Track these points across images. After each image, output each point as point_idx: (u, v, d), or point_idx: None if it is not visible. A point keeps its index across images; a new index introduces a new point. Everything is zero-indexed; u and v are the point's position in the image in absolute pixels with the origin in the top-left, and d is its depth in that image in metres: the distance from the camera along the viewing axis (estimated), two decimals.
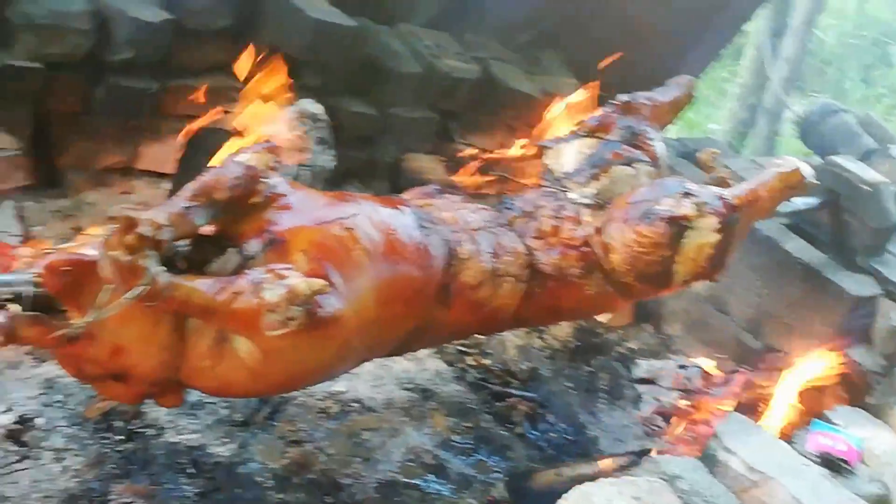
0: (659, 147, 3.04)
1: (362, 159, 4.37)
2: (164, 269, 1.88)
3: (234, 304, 1.94)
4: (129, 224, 1.82)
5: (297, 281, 1.96)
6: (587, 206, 2.76)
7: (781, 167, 2.87)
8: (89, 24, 3.35)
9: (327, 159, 3.84)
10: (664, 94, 3.24)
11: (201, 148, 3.72)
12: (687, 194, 2.62)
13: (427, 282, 2.38)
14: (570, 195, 2.79)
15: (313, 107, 3.83)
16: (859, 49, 10.10)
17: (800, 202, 3.93)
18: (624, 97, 3.04)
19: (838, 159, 4.10)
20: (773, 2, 6.22)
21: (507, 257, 2.57)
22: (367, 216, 2.32)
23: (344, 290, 2.13)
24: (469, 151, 4.20)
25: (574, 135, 2.99)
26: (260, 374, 2.08)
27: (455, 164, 4.47)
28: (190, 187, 2.08)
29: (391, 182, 4.45)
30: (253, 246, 2.10)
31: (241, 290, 1.96)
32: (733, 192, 2.74)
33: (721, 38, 5.56)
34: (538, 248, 2.66)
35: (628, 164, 2.85)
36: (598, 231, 2.69)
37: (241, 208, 2.14)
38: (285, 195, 2.22)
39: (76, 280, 1.87)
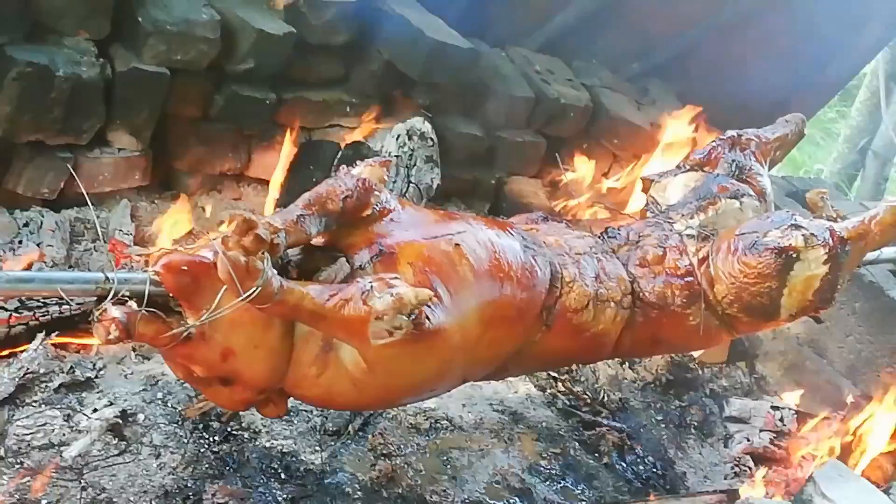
0: (766, 183, 3.01)
1: (467, 179, 4.41)
2: (277, 273, 1.93)
3: (344, 311, 1.97)
4: (248, 226, 1.87)
5: (405, 290, 1.99)
6: (692, 237, 2.74)
7: (894, 203, 2.82)
8: (215, 33, 3.45)
9: (433, 176, 3.91)
10: (773, 131, 3.21)
11: (312, 159, 3.83)
12: (796, 226, 2.59)
13: (531, 302, 2.39)
14: (676, 226, 2.78)
15: (423, 125, 3.90)
16: None
17: None
18: (731, 132, 3.02)
19: None
20: (892, 44, 6.10)
21: (610, 283, 2.57)
22: (473, 235, 2.34)
23: (449, 304, 2.16)
24: (573, 178, 4.25)
25: (680, 168, 2.98)
26: (362, 386, 2.11)
27: (558, 190, 4.52)
28: (305, 196, 2.12)
29: (493, 203, 4.49)
30: (362, 257, 2.13)
31: (350, 297, 1.99)
32: (843, 226, 2.70)
33: (837, 81, 5.48)
34: (641, 275, 2.64)
35: (735, 198, 2.82)
36: (703, 262, 2.67)
37: (352, 220, 2.18)
38: (395, 210, 2.25)
39: (193, 280, 1.91)
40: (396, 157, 3.85)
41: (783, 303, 2.58)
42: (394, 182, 3.79)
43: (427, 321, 2.03)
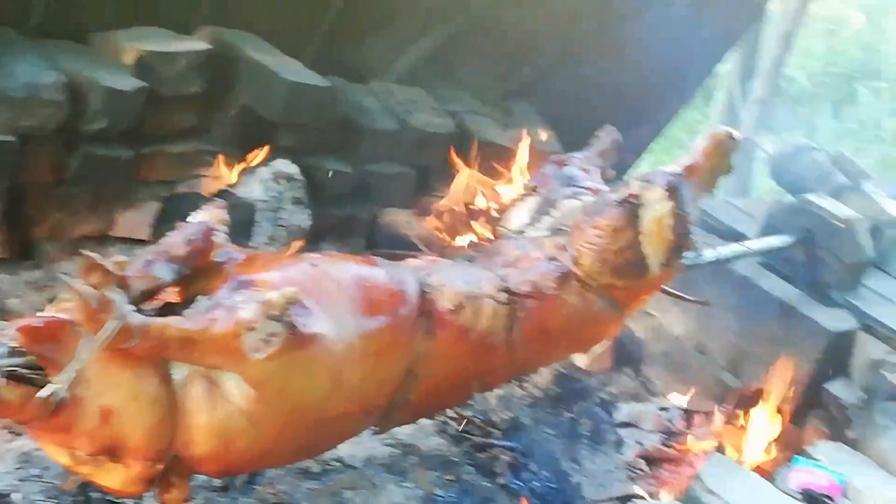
0: (601, 186, 3.09)
1: (339, 217, 4.40)
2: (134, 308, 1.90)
3: (212, 329, 1.96)
4: (93, 265, 1.84)
5: (270, 294, 2.00)
6: (546, 236, 2.81)
7: (710, 132, 2.93)
8: (63, 96, 3.37)
9: (303, 218, 3.89)
10: (592, 146, 3.34)
11: (177, 213, 3.77)
12: (629, 182, 2.73)
13: (404, 306, 2.40)
14: (528, 234, 2.86)
15: (288, 167, 3.88)
16: (829, 87, 10.24)
17: (774, 240, 3.99)
18: (555, 156, 3.14)
19: (811, 197, 4.17)
20: (741, 45, 6.31)
21: (480, 282, 2.60)
22: (330, 260, 2.44)
23: (321, 314, 2.16)
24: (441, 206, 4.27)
25: (520, 199, 3.06)
26: (257, 419, 2.07)
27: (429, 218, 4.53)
28: (150, 248, 2.15)
29: (368, 239, 4.48)
30: (221, 293, 2.13)
31: (216, 317, 1.99)
32: (672, 165, 2.80)
33: (692, 83, 5.64)
34: (509, 273, 2.69)
35: (573, 198, 2.90)
36: (563, 247, 2.73)
37: (204, 267, 2.18)
38: (245, 255, 2.30)
39: (52, 339, 1.86)
40: (264, 202, 3.82)
41: (647, 252, 2.68)
42: (262, 227, 3.77)
43: (300, 324, 2.04)
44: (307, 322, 2.09)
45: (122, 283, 1.93)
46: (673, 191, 2.65)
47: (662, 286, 3.26)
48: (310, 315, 2.12)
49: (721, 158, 2.90)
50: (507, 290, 2.63)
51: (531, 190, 3.03)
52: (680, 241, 2.69)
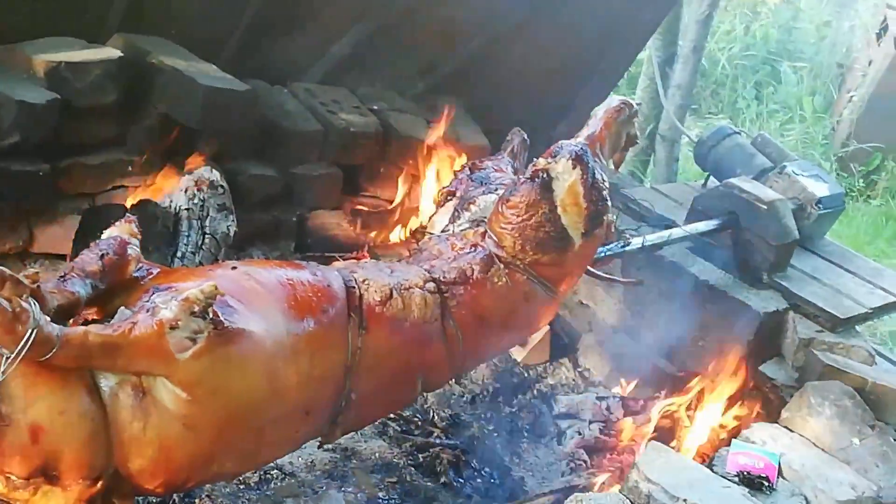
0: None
1: (267, 221, 4.35)
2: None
3: (135, 332, 1.93)
4: (4, 277, 1.79)
5: (190, 291, 1.97)
6: (466, 229, 2.82)
7: (608, 103, 2.97)
8: None
9: (229, 224, 3.83)
10: (503, 148, 3.37)
11: (97, 226, 3.68)
12: (537, 160, 2.76)
13: (332, 302, 2.38)
14: (449, 231, 2.86)
15: (210, 174, 3.82)
16: (750, 69, 10.37)
17: (701, 225, 4.02)
18: (468, 163, 3.17)
19: (735, 181, 4.20)
20: (661, 31, 6.35)
21: (406, 275, 2.60)
22: (251, 264, 2.47)
23: (246, 311, 2.14)
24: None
25: (438, 207, 3.07)
26: (193, 422, 2.03)
27: (359, 219, 4.50)
28: (66, 265, 2.14)
29: (298, 241, 4.44)
30: (142, 302, 2.10)
31: (137, 319, 1.96)
32: (575, 138, 2.83)
33: (615, 70, 5.66)
34: (434, 265, 2.69)
35: (490, 193, 2.91)
36: (483, 234, 2.74)
37: (120, 282, 2.15)
38: (161, 268, 2.29)
39: None
40: (188, 209, 3.75)
41: (566, 223, 2.71)
42: (188, 236, 3.70)
43: (227, 320, 2.02)
44: (232, 319, 2.07)
45: (37, 295, 1.88)
46: (578, 159, 2.69)
47: (593, 269, 3.28)
48: (234, 312, 2.10)
49: (620, 126, 2.95)
50: (433, 280, 2.62)
51: (448, 195, 3.02)
52: (595, 208, 2.72)
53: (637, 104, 3.05)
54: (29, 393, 1.88)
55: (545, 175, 2.67)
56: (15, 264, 3.71)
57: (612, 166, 3.20)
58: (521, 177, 2.81)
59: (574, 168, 2.68)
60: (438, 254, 2.75)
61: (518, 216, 2.68)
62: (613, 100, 2.99)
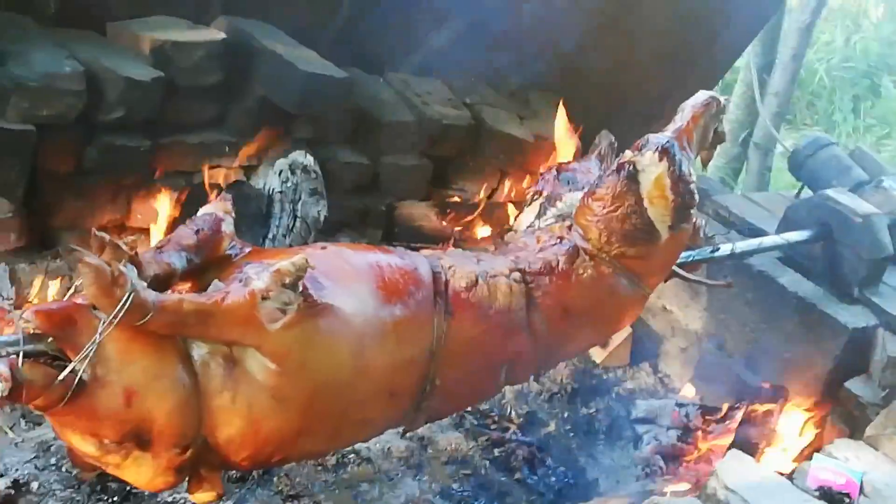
0: None
1: (356, 208, 4.39)
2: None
3: (227, 301, 1.96)
4: (105, 242, 1.84)
5: (281, 263, 2.00)
6: (553, 224, 2.82)
7: (695, 98, 2.93)
8: (81, 85, 3.36)
9: (320, 209, 3.88)
10: (591, 153, 3.34)
11: (196, 203, 3.76)
12: (624, 153, 2.73)
13: (419, 285, 2.39)
14: (535, 225, 2.87)
15: (305, 158, 3.87)
16: (848, 82, 10.17)
17: (793, 235, 3.96)
18: (555, 163, 3.16)
19: (830, 192, 4.12)
20: (761, 38, 6.27)
21: (492, 264, 2.60)
22: (341, 246, 2.51)
23: (335, 288, 2.17)
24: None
25: (525, 206, 3.07)
26: (282, 395, 2.06)
27: (447, 211, 4.53)
28: (162, 238, 2.15)
29: (385, 230, 4.47)
30: (235, 275, 2.15)
31: (230, 289, 2.00)
32: (663, 132, 2.81)
33: (711, 75, 5.60)
34: (520, 257, 2.69)
35: (576, 192, 2.90)
36: (569, 228, 2.74)
37: (214, 258, 2.21)
38: (253, 248, 2.33)
39: (68, 321, 1.85)
40: (280, 192, 3.81)
41: (653, 215, 2.66)
42: (280, 218, 3.76)
43: (315, 294, 2.05)
44: (322, 294, 2.10)
45: (134, 261, 1.94)
46: (665, 152, 2.65)
47: (679, 270, 3.24)
48: (323, 288, 2.12)
49: (708, 121, 2.92)
50: (519, 270, 2.62)
51: (535, 195, 3.02)
52: (682, 200, 2.68)
53: (725, 100, 3.01)
54: (124, 357, 1.92)
55: (631, 167, 2.66)
56: (116, 237, 3.82)
57: (700, 163, 3.16)
58: (607, 169, 2.79)
59: (661, 160, 2.65)
60: (524, 246, 2.75)
61: (604, 208, 2.66)
62: (701, 94, 2.95)
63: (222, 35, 3.76)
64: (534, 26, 4.69)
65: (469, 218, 4.60)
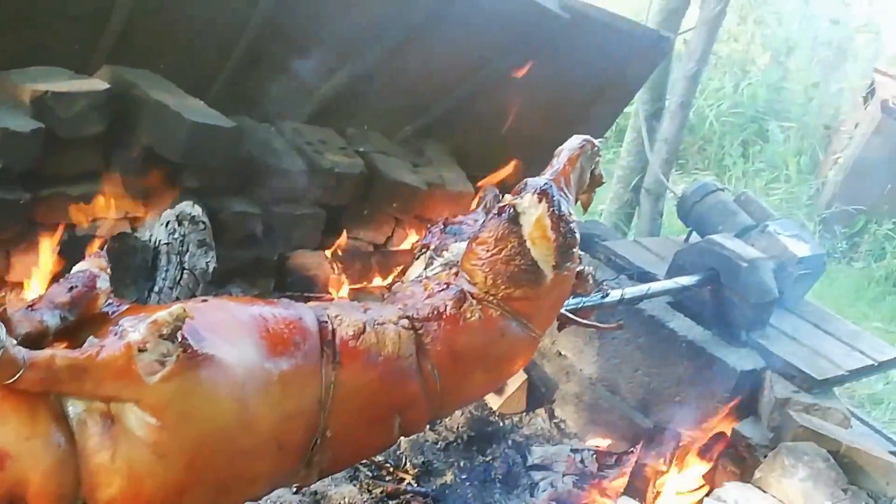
0: None
1: (247, 258, 4.32)
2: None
3: (102, 354, 1.91)
4: None
5: (158, 314, 1.96)
6: (440, 272, 2.83)
7: (570, 142, 2.99)
8: None
9: (208, 260, 3.79)
10: (474, 206, 3.38)
11: (77, 255, 3.66)
12: (504, 197, 2.79)
13: (305, 335, 2.36)
14: (423, 275, 2.87)
15: (192, 209, 3.79)
16: (738, 127, 10.47)
17: (682, 280, 4.02)
18: (441, 218, 3.19)
19: (717, 237, 4.22)
20: (649, 86, 6.40)
21: (379, 312, 2.59)
22: (222, 299, 2.44)
23: (216, 340, 2.12)
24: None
25: (413, 260, 3.08)
26: (164, 450, 1.99)
27: (339, 261, 4.49)
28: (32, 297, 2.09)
29: (277, 280, 4.42)
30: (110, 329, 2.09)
31: (105, 343, 1.94)
32: (540, 176, 2.85)
33: (602, 122, 5.69)
34: (407, 305, 2.68)
35: (462, 242, 2.92)
36: (455, 274, 2.76)
37: (90, 317, 2.14)
38: (130, 304, 2.26)
39: None
40: (167, 244, 3.73)
41: (536, 256, 2.69)
42: (167, 270, 3.67)
43: (195, 345, 2.01)
44: (202, 345, 2.05)
45: (2, 318, 1.87)
46: (544, 193, 2.70)
47: (570, 314, 3.26)
48: (204, 339, 2.08)
49: (584, 163, 2.98)
50: (407, 317, 2.61)
51: (423, 248, 3.03)
52: (564, 240, 2.72)
53: (599, 142, 3.07)
54: None
55: (512, 210, 2.70)
56: None
57: (581, 207, 3.20)
58: (489, 215, 2.82)
59: (540, 202, 2.70)
60: (412, 294, 2.75)
61: (488, 251, 2.69)
62: (576, 138, 3.02)
63: (106, 85, 3.68)
64: (426, 76, 4.72)
65: (363, 268, 4.58)
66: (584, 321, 3.48)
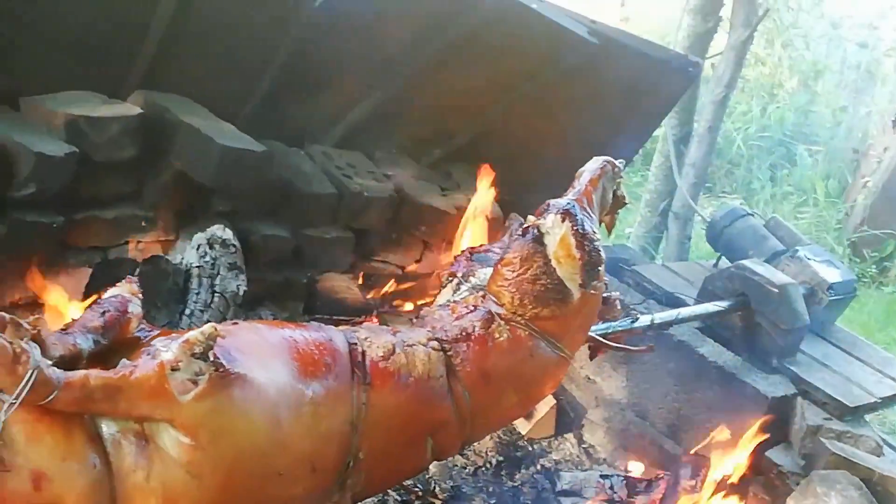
0: None
1: (277, 281, 4.35)
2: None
3: (135, 374, 1.93)
4: (4, 320, 1.80)
5: (190, 333, 1.98)
6: (468, 296, 2.84)
7: (591, 163, 3.01)
8: None
9: (239, 283, 3.83)
10: (503, 236, 3.39)
11: (109, 279, 3.69)
12: (527, 218, 2.81)
13: (335, 356, 2.38)
14: (451, 298, 2.88)
15: (223, 232, 3.83)
16: (765, 150, 10.43)
17: (711, 306, 4.01)
18: (463, 251, 3.20)
19: (747, 263, 4.19)
20: (678, 110, 6.39)
21: (408, 333, 2.61)
22: (252, 322, 2.50)
23: (248, 360, 2.14)
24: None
25: (441, 288, 3.09)
26: (198, 471, 2.01)
27: (369, 283, 4.50)
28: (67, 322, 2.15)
29: (307, 303, 4.43)
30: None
31: (138, 363, 1.97)
32: (562, 197, 2.87)
33: (630, 146, 5.68)
34: (436, 327, 2.69)
35: (489, 267, 2.93)
36: (483, 296, 2.77)
37: (123, 341, 2.17)
38: (161, 330, 2.29)
39: None
40: (198, 267, 3.76)
41: (562, 274, 2.71)
42: (198, 293, 3.70)
43: (227, 363, 2.02)
44: (234, 364, 2.07)
45: (37, 339, 1.89)
46: (567, 213, 2.72)
47: (599, 337, 3.25)
48: (235, 360, 2.10)
49: (606, 184, 2.98)
50: (436, 339, 2.62)
51: (450, 276, 3.04)
52: (589, 258, 2.73)
53: (621, 163, 3.08)
54: (31, 438, 1.86)
55: (536, 230, 2.71)
56: (25, 315, 3.71)
57: (605, 229, 3.20)
58: (513, 236, 2.83)
59: (563, 221, 2.72)
60: (440, 318, 2.76)
61: (514, 272, 2.71)
62: (597, 160, 3.03)
63: (138, 110, 3.72)
64: (454, 100, 4.73)
65: (390, 290, 4.59)
66: (614, 344, 3.48)
